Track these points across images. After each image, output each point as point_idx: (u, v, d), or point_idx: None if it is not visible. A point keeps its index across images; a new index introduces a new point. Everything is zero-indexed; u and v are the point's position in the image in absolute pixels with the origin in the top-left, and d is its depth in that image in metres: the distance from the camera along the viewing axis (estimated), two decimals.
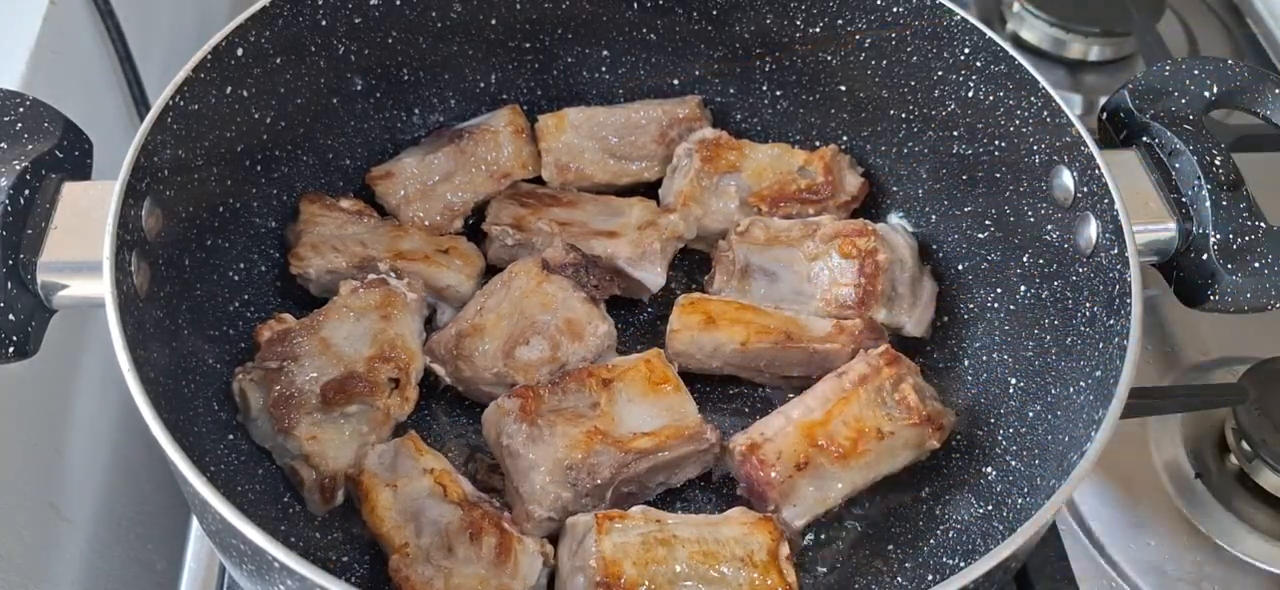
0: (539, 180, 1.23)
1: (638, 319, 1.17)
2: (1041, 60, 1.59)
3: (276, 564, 0.71)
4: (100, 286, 0.84)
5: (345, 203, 1.14)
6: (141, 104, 1.36)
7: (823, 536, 1.02)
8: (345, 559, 0.97)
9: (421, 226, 1.16)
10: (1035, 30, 1.61)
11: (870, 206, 1.25)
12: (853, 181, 1.22)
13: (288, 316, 1.05)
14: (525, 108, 1.26)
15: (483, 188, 1.20)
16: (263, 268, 1.11)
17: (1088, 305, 0.98)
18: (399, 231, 1.14)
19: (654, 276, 1.13)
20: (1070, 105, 1.04)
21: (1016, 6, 1.63)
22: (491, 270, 1.14)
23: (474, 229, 1.19)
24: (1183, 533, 1.13)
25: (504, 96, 1.28)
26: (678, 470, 1.01)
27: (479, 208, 1.20)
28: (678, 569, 0.88)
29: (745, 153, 1.21)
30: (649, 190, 1.23)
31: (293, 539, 0.97)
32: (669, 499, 1.03)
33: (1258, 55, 1.67)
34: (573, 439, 0.97)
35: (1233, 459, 1.17)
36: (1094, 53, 1.61)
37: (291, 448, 0.98)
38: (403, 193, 1.17)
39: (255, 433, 1.00)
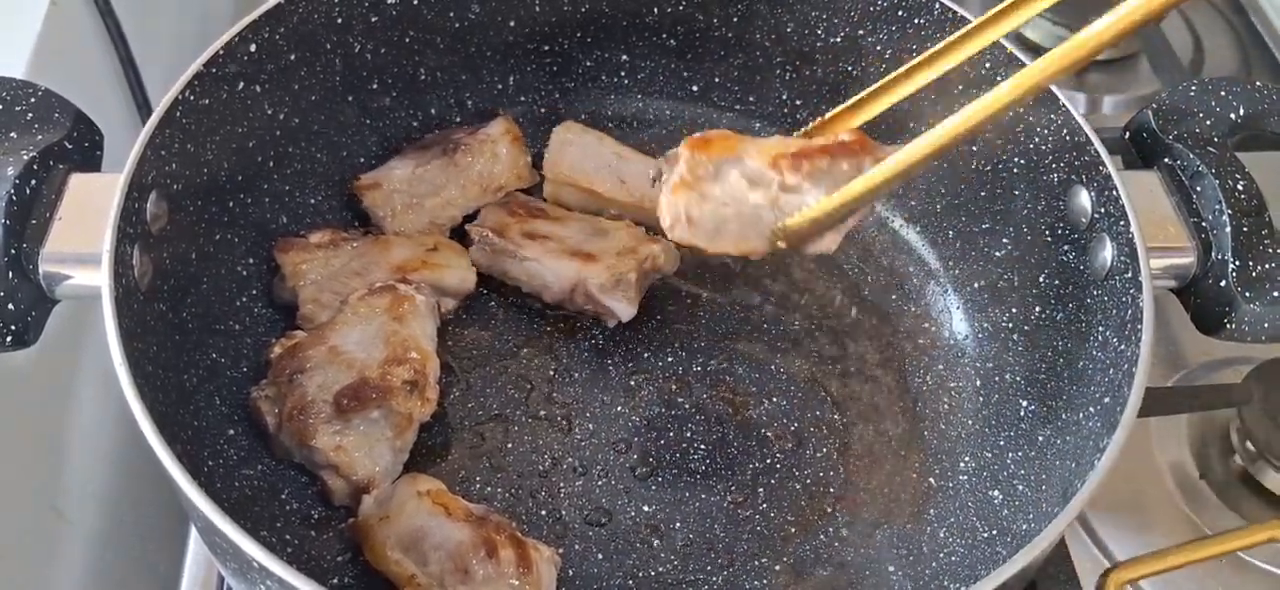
0: (531, 191, 1.21)
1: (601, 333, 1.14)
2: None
3: (255, 564, 0.71)
4: (101, 278, 0.84)
5: (315, 237, 1.10)
6: (143, 105, 1.36)
7: (823, 555, 1.00)
8: (340, 559, 0.97)
9: (405, 235, 1.14)
10: (1038, 28, 1.57)
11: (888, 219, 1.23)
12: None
13: (298, 333, 1.05)
14: (542, 111, 1.25)
15: (474, 201, 1.18)
16: (272, 263, 1.11)
17: (1101, 329, 0.96)
18: (383, 245, 1.12)
19: (623, 308, 1.09)
20: (1074, 103, 1.02)
21: None
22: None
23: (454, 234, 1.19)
24: (1187, 533, 1.11)
25: (521, 99, 1.27)
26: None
27: (466, 218, 1.18)
28: None
29: (745, 142, 1.03)
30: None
31: (287, 537, 0.97)
32: None
33: (1263, 54, 1.63)
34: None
35: (1237, 459, 1.15)
36: None
37: (318, 460, 0.97)
38: (391, 206, 1.15)
39: (281, 451, 1.00)
